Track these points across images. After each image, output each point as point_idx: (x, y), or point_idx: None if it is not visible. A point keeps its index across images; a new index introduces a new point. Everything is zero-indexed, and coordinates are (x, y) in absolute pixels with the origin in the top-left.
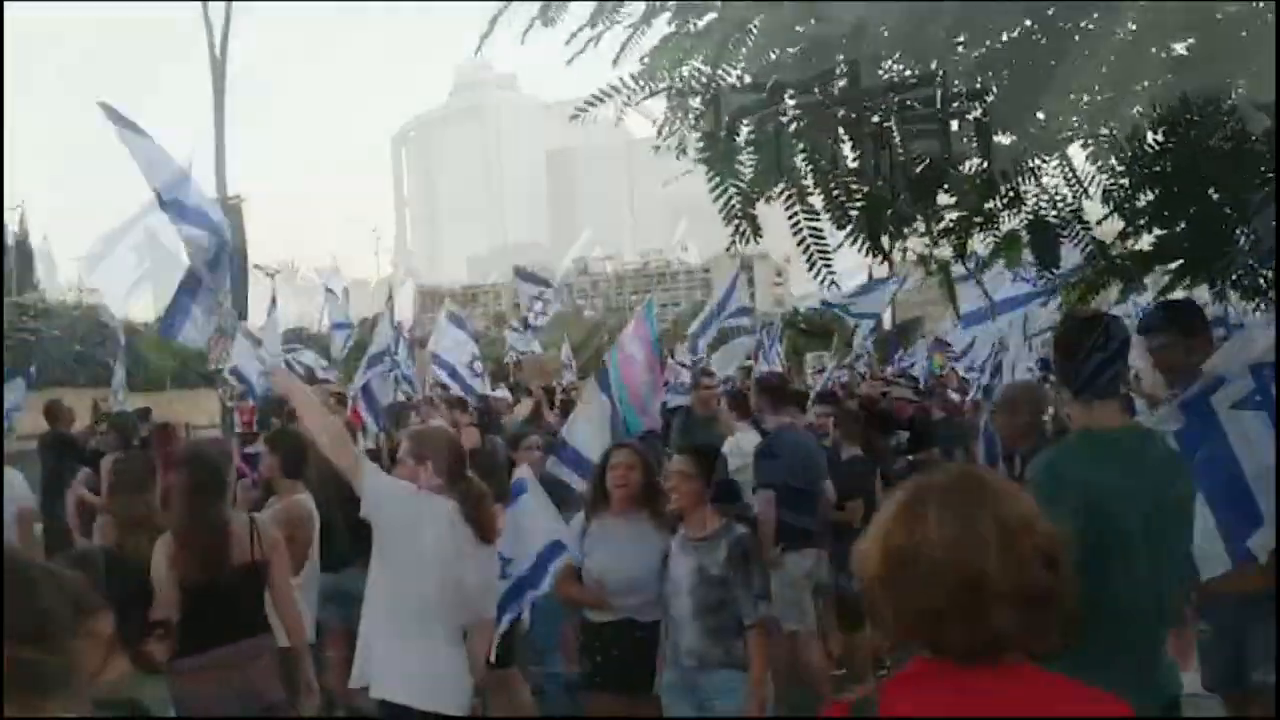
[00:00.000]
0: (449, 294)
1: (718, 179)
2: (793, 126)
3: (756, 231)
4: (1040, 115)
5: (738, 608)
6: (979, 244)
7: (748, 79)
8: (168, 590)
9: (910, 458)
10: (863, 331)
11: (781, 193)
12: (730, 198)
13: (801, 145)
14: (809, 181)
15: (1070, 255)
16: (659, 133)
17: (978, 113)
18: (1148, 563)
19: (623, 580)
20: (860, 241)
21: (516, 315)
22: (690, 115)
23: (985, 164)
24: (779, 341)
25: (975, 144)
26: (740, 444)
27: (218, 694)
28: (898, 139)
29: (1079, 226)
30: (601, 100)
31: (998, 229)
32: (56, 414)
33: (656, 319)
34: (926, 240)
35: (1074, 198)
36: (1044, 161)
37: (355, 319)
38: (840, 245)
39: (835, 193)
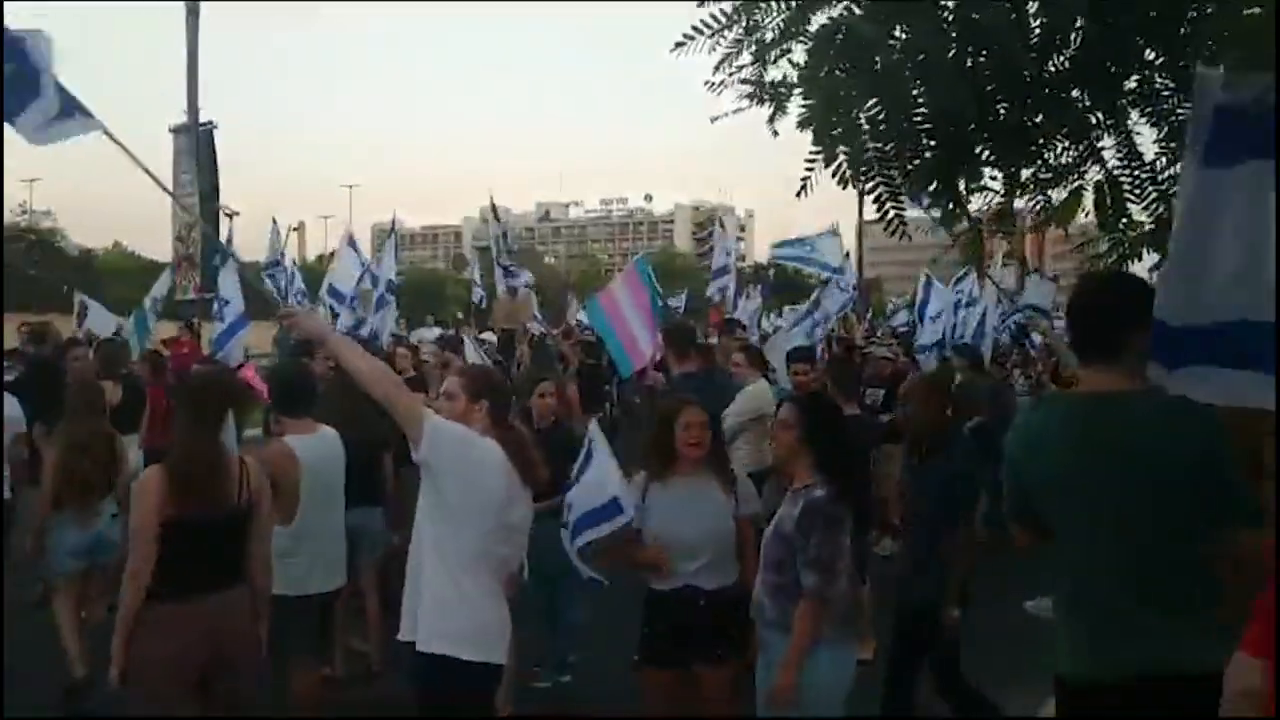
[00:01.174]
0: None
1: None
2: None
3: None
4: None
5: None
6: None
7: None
8: (147, 538)
9: (885, 418)
10: (842, 284)
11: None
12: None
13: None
14: (882, 126)
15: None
16: (716, 69)
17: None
18: (1112, 529)
19: (684, 543)
20: (932, 187)
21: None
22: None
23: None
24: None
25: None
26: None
27: (189, 645)
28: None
29: (1151, 189)
30: (695, 35)
31: (1072, 183)
32: (44, 336)
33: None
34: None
35: (1153, 157)
36: (1135, 116)
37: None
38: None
39: (911, 135)
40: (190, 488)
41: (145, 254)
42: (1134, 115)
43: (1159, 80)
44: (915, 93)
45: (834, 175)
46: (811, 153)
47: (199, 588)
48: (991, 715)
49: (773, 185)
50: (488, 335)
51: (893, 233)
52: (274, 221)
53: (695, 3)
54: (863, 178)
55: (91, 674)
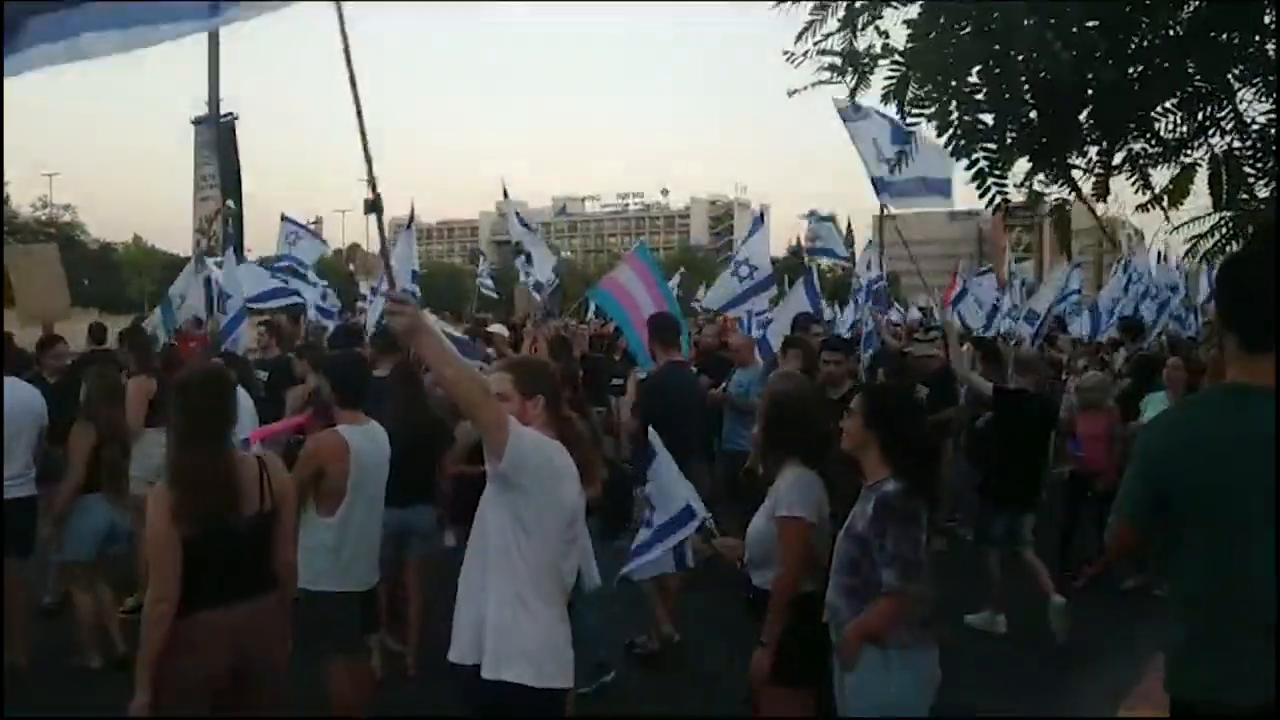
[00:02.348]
0: (424, 229)
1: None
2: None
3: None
4: None
5: (875, 571)
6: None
7: None
8: (167, 548)
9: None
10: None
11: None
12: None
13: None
14: (984, 91)
15: None
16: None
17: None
18: (1271, 535)
19: (748, 544)
20: (1033, 157)
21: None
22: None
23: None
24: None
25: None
26: None
27: (210, 657)
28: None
29: (1273, 163)
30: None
31: (1185, 159)
32: (99, 335)
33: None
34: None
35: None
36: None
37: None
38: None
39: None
40: (199, 504)
41: (164, 248)
42: (1242, 86)
43: (1270, 47)
44: (1021, 58)
45: (947, 144)
46: (910, 123)
47: (223, 599)
48: None
49: (787, 182)
50: (497, 328)
51: (995, 209)
52: (284, 218)
53: None
54: (962, 151)
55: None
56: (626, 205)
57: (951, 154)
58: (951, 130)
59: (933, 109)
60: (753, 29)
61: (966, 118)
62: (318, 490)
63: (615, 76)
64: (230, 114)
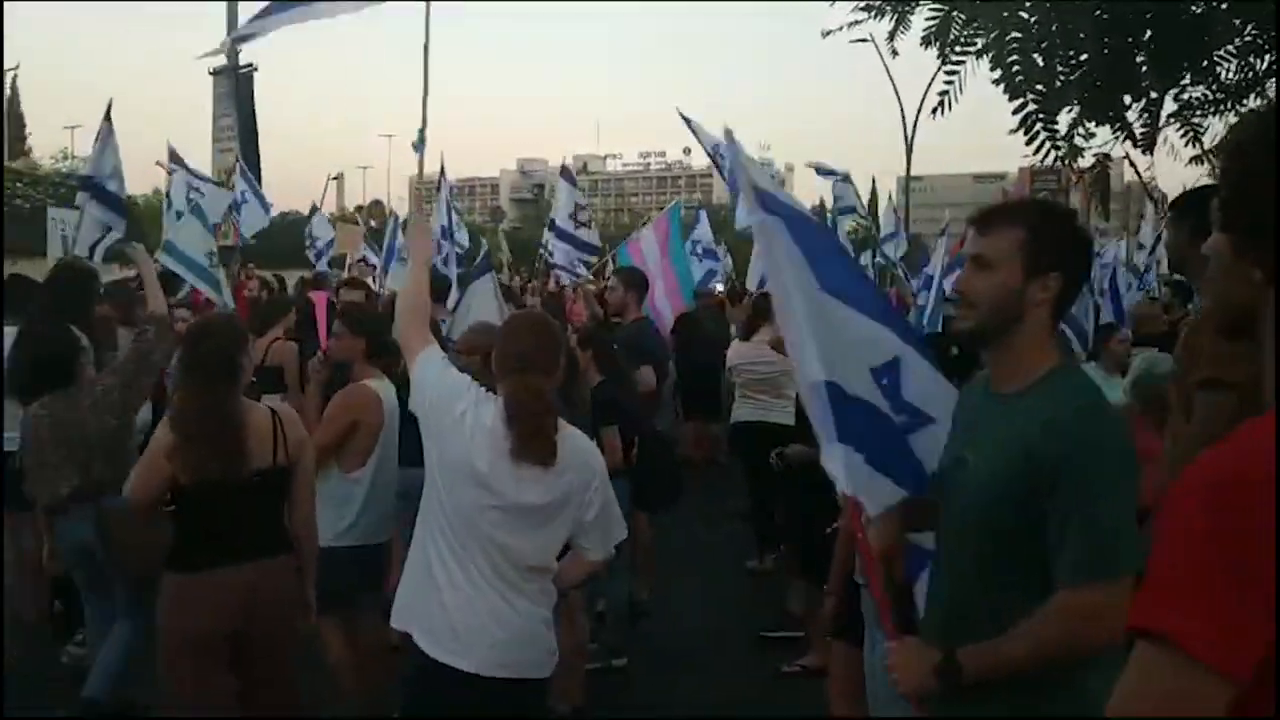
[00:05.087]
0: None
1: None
2: None
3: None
4: None
5: None
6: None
7: None
8: (155, 480)
9: None
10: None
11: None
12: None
13: None
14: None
15: None
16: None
17: None
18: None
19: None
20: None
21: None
22: None
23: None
24: None
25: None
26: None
27: (218, 619)
28: None
29: None
30: None
31: (1237, 110)
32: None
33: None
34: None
35: None
36: None
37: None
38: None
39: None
40: (197, 451)
41: None
42: None
43: None
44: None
45: (1005, 90)
46: (948, 73)
47: (230, 557)
48: None
49: (810, 140)
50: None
51: (1045, 157)
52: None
53: None
54: (1016, 92)
55: None
56: (648, 164)
57: (1011, 98)
58: (1005, 69)
59: (979, 46)
60: None
61: (1020, 57)
62: (344, 445)
63: (635, 34)
64: (250, 65)
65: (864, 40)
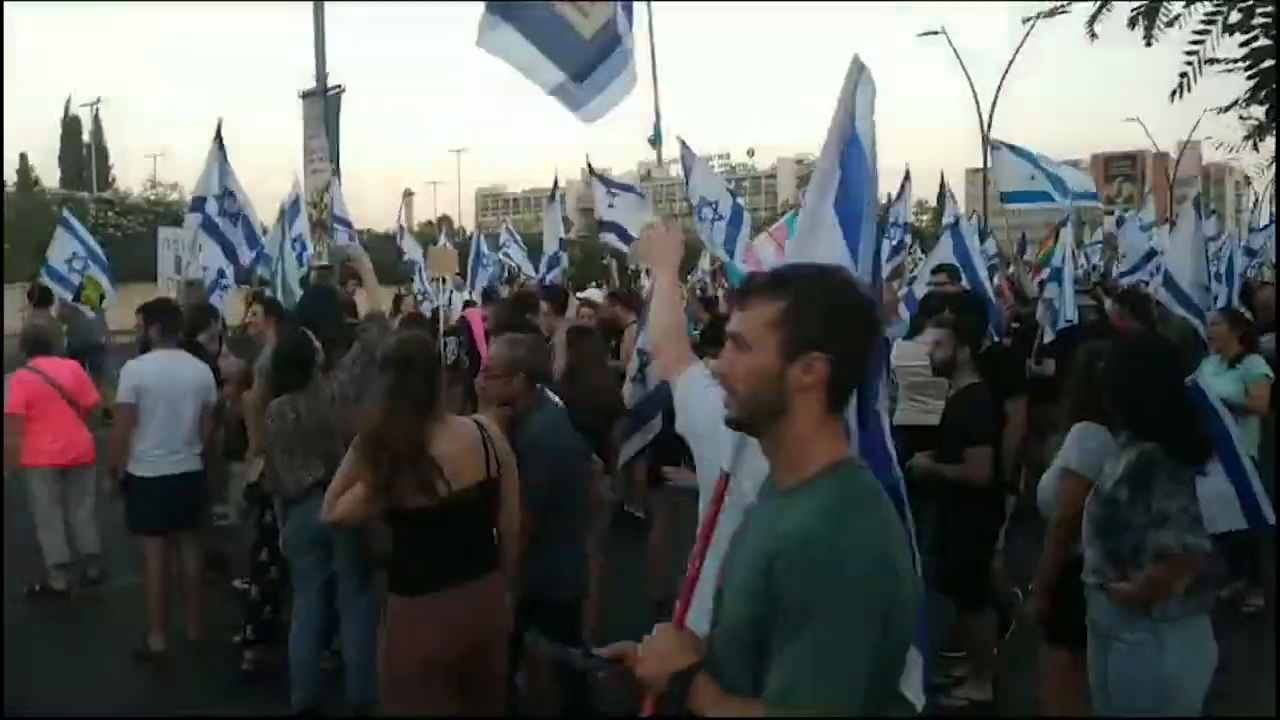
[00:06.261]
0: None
1: None
2: None
3: None
4: None
5: (1131, 535)
6: None
7: None
8: (362, 510)
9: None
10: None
11: None
12: None
13: None
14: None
15: None
16: None
17: None
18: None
19: (1040, 502)
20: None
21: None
22: None
23: None
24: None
25: None
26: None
27: (448, 641)
28: None
29: None
30: None
31: None
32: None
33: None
34: None
35: None
36: None
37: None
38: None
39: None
40: (403, 482)
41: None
42: None
43: None
44: None
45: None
46: (1188, 54)
47: (451, 578)
48: None
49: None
50: (592, 292)
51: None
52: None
53: None
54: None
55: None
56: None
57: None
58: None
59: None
60: None
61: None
62: None
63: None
64: (338, 86)
65: (934, 33)
